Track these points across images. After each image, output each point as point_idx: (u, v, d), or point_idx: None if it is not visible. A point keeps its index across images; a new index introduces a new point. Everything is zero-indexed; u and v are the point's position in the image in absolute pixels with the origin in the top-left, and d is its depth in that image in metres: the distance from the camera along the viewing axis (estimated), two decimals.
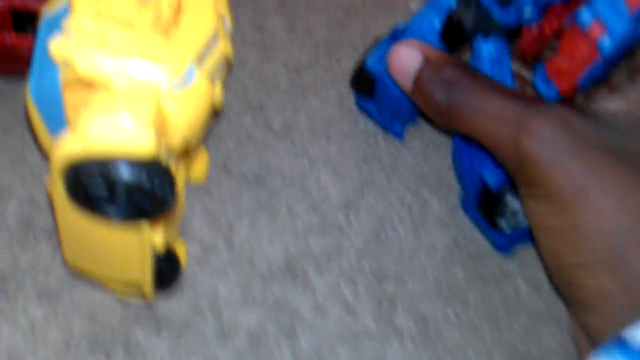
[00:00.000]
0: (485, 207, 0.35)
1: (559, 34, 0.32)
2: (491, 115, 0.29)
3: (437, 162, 0.40)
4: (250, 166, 0.38)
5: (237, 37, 0.42)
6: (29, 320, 0.32)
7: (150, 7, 0.23)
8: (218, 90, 0.25)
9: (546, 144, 0.28)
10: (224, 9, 0.26)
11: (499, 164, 0.32)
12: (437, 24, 0.34)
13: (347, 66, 0.43)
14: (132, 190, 0.22)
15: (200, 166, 0.36)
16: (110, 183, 0.22)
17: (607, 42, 0.27)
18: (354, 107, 0.41)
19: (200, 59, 0.24)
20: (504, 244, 0.36)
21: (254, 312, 0.34)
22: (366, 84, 0.38)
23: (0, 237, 0.33)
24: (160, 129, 0.23)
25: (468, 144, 0.35)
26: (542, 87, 0.31)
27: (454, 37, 0.33)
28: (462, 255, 0.37)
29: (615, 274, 0.27)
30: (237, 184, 0.37)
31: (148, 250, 0.27)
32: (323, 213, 0.37)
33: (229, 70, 0.31)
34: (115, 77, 0.22)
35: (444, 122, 0.32)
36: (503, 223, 0.35)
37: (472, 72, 0.31)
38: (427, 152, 0.41)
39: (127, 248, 0.26)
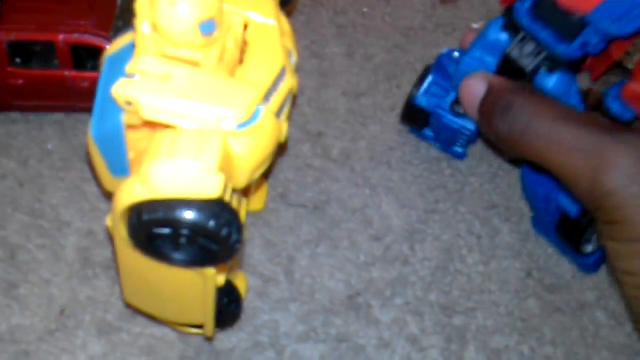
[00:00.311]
0: (567, 235, 0.33)
1: (629, 54, 0.30)
2: (563, 145, 0.26)
3: (506, 189, 0.38)
4: (310, 196, 0.37)
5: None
6: (89, 356, 0.31)
7: (216, 46, 0.22)
8: (284, 126, 0.24)
9: (629, 180, 0.25)
10: (290, 44, 0.26)
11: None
12: (491, 64, 0.32)
13: (407, 90, 0.42)
14: (198, 233, 0.21)
15: (259, 196, 0.35)
16: (175, 228, 0.21)
17: None
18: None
19: (267, 96, 0.23)
20: (591, 265, 0.34)
21: (317, 347, 0.32)
22: (418, 118, 0.37)
23: (59, 272, 0.33)
24: (226, 169, 0.22)
25: (539, 172, 0.33)
26: (617, 109, 0.29)
27: (513, 75, 0.31)
28: (537, 286, 0.35)
29: None
30: (296, 214, 0.36)
31: (212, 293, 0.26)
32: (386, 243, 0.36)
33: (294, 102, 0.30)
34: (181, 120, 0.21)
35: (508, 150, 0.30)
36: (588, 248, 0.33)
37: (538, 97, 0.28)
38: (496, 178, 0.39)
39: (190, 291, 0.25)
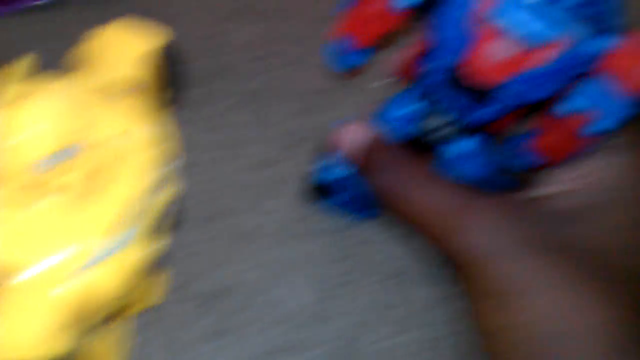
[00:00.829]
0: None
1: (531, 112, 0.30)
2: (426, 207, 0.29)
3: (419, 249, 0.38)
4: (212, 282, 0.36)
5: (196, 138, 0.41)
6: None
7: (74, 168, 0.21)
8: (158, 243, 0.23)
9: (483, 241, 0.27)
10: (171, 147, 0.25)
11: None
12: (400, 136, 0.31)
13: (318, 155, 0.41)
14: None
15: (154, 290, 0.35)
16: None
17: (606, 125, 0.26)
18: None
19: (136, 216, 0.22)
20: None
21: None
22: (323, 193, 0.37)
23: None
24: (82, 307, 0.21)
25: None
26: (526, 161, 0.29)
27: (428, 145, 0.31)
28: (446, 350, 0.34)
29: None
30: (197, 304, 0.36)
31: None
32: (295, 325, 0.35)
33: (178, 206, 0.30)
34: (21, 269, 0.20)
35: (389, 210, 0.31)
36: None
37: (417, 162, 0.30)
38: (407, 239, 0.38)
39: None
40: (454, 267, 0.29)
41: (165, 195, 0.25)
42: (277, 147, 0.42)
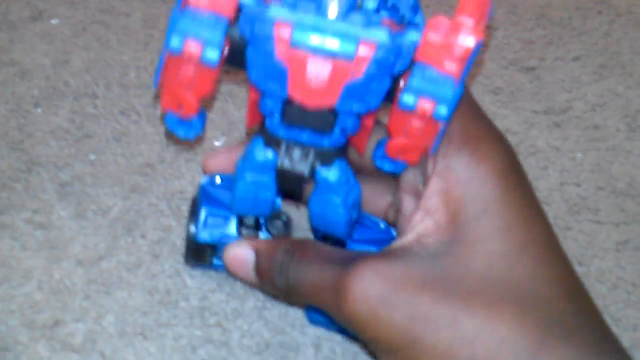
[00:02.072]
0: None
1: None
2: (314, 288, 0.29)
3: (277, 321, 0.36)
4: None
5: (16, 244, 0.38)
6: None
7: None
8: None
9: (362, 305, 0.28)
10: None
11: None
12: (267, 183, 0.31)
13: (154, 237, 0.39)
14: None
15: None
16: None
17: (443, 110, 0.27)
18: (170, 285, 0.37)
19: None
20: None
21: None
22: (205, 256, 0.35)
23: None
24: None
25: None
26: (388, 167, 0.30)
27: (295, 184, 0.31)
28: None
29: None
30: None
31: None
32: None
33: None
34: None
35: (294, 303, 0.33)
36: None
37: (302, 247, 0.31)
38: (264, 312, 0.36)
39: None
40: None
41: None
42: (111, 237, 0.39)
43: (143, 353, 0.34)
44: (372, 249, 0.33)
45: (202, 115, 0.29)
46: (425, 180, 0.30)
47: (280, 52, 0.25)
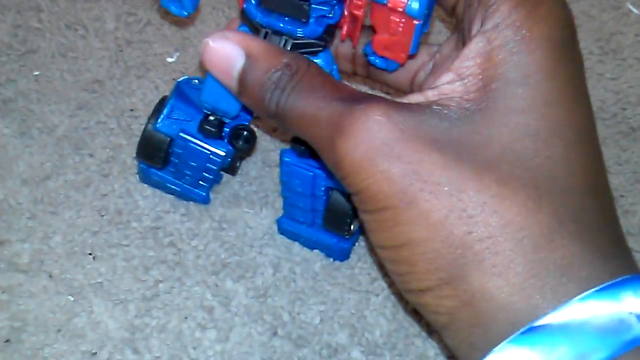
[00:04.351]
0: (337, 217, 0.34)
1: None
2: (311, 117, 0.27)
3: (234, 240, 0.36)
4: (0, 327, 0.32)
5: None
6: None
7: None
8: None
9: (362, 145, 0.25)
10: None
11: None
12: None
13: (103, 156, 0.38)
14: None
15: None
16: None
17: (414, 5, 0.27)
18: (121, 204, 0.36)
19: None
20: (347, 248, 0.36)
21: None
22: (159, 150, 0.34)
23: None
24: None
25: (307, 156, 0.33)
26: (380, 63, 0.30)
27: None
28: (284, 344, 0.34)
29: (457, 293, 0.25)
30: None
31: None
32: (106, 356, 0.32)
33: None
34: None
35: (279, 127, 0.31)
36: (355, 225, 0.34)
37: (303, 68, 0.28)
38: (220, 233, 0.37)
39: None
40: (341, 183, 0.27)
41: None
42: (57, 155, 0.38)
43: (93, 273, 0.34)
44: None
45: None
46: (465, 40, 0.27)
47: None
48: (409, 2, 0.27)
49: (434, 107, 0.26)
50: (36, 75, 0.41)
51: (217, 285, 0.35)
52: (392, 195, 0.25)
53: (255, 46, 0.28)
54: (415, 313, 0.34)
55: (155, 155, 0.35)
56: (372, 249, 0.35)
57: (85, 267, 0.35)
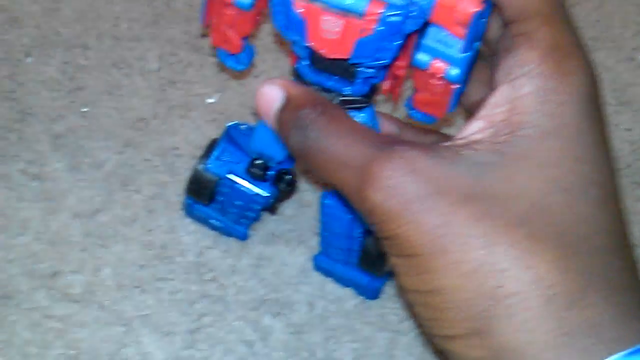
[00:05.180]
0: (371, 257, 0.37)
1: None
2: (337, 160, 0.27)
3: (271, 278, 0.39)
4: (55, 354, 0.35)
5: (12, 195, 0.40)
6: None
7: None
8: None
9: (391, 192, 0.26)
10: None
11: None
12: None
13: (149, 193, 0.41)
14: None
15: None
16: None
17: (454, 72, 0.29)
18: (166, 240, 0.39)
19: None
20: (379, 287, 0.38)
21: None
22: (207, 188, 0.38)
23: None
24: None
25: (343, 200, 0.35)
26: (419, 117, 0.32)
27: None
28: None
29: (486, 344, 0.26)
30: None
31: None
32: None
33: None
34: None
35: (303, 165, 0.31)
36: (388, 266, 0.36)
37: (331, 112, 0.29)
38: (258, 270, 0.39)
39: None
40: (370, 227, 0.28)
41: None
42: (105, 190, 0.41)
43: (141, 305, 0.37)
44: None
45: (248, 50, 0.33)
46: (492, 88, 0.28)
47: (298, 5, 0.28)
48: (449, 69, 0.29)
49: (464, 152, 0.26)
50: (84, 111, 0.43)
51: (256, 321, 0.37)
52: (423, 244, 0.25)
53: (295, 89, 0.30)
54: (442, 354, 0.37)
55: (203, 192, 0.38)
56: (400, 291, 0.38)
57: (134, 299, 0.37)
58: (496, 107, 0.27)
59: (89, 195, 0.40)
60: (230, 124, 0.38)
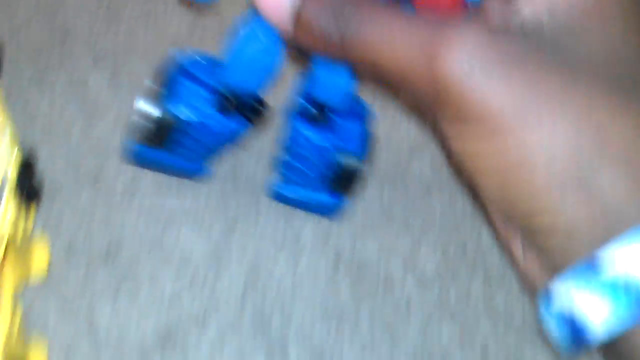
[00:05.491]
0: (343, 178, 0.37)
1: None
2: (397, 39, 0.25)
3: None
4: (100, 242, 0.38)
5: (55, 104, 0.43)
6: None
7: None
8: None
9: (470, 60, 0.24)
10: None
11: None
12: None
13: None
14: None
15: (39, 260, 0.36)
16: None
17: None
18: None
19: None
20: (339, 204, 0.39)
21: None
22: (166, 132, 0.35)
23: None
24: None
25: (315, 123, 0.36)
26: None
27: None
28: (346, 275, 0.39)
29: (582, 194, 0.24)
30: (88, 265, 0.37)
31: None
32: (190, 273, 0.38)
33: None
34: None
35: (341, 59, 0.28)
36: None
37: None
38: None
39: None
40: (435, 110, 0.26)
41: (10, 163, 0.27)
42: None
43: (179, 199, 0.40)
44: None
45: None
46: None
47: None
48: None
49: (531, 31, 0.25)
50: (122, 31, 0.46)
51: (287, 221, 0.40)
52: (509, 107, 0.24)
53: None
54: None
55: (161, 137, 0.36)
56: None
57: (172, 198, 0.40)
58: None
59: (128, 110, 0.43)
60: (179, 53, 0.36)
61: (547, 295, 0.25)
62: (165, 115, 0.35)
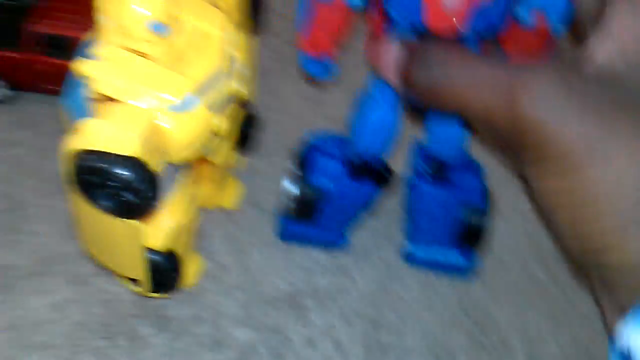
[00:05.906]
0: (472, 232, 0.39)
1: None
2: (480, 84, 0.28)
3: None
4: (278, 203, 0.44)
5: (290, 84, 0.50)
6: (56, 299, 0.40)
7: (165, 44, 0.30)
8: (219, 120, 0.32)
9: (547, 101, 0.26)
10: (238, 53, 0.34)
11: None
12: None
13: None
14: (119, 182, 0.28)
15: (232, 196, 0.43)
16: (102, 177, 0.28)
17: (557, 26, 0.31)
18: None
19: (201, 91, 0.31)
20: (472, 263, 0.41)
21: (250, 332, 0.39)
22: (311, 204, 0.39)
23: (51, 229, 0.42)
24: (157, 142, 0.30)
25: (437, 182, 0.39)
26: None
27: None
28: (466, 319, 0.42)
29: None
30: (261, 217, 0.44)
31: (140, 248, 0.33)
32: (333, 255, 0.43)
33: (246, 107, 0.38)
34: (124, 96, 0.29)
35: (430, 103, 0.31)
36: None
37: (449, 45, 0.30)
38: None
39: (123, 242, 0.33)
40: (516, 150, 0.28)
41: (226, 86, 0.32)
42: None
43: None
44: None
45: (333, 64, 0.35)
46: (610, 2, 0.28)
47: None
48: (552, 23, 0.31)
49: (603, 72, 0.26)
50: None
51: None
52: (581, 144, 0.25)
53: (411, 43, 0.32)
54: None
55: (307, 210, 0.40)
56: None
57: None
58: (622, 26, 0.27)
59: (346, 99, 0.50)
60: (312, 139, 0.40)
61: (613, 335, 0.25)
62: (306, 190, 0.39)
